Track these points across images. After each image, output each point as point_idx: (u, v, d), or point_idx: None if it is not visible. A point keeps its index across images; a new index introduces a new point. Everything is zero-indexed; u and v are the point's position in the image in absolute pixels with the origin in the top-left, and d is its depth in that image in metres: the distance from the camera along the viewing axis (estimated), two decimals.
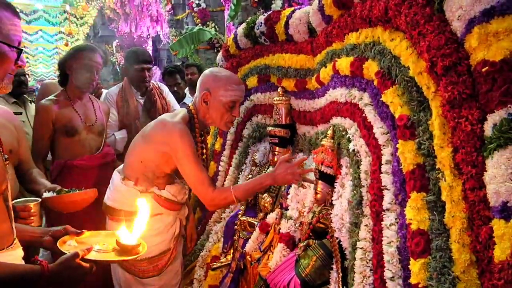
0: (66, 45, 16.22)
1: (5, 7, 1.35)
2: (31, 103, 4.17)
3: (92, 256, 1.52)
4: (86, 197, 2.26)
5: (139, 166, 2.35)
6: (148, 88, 3.55)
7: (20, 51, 1.40)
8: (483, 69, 1.14)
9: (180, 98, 4.20)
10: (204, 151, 2.50)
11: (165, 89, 3.74)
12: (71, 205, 2.18)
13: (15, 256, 1.49)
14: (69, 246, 1.58)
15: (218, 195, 2.25)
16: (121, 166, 2.51)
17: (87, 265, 1.47)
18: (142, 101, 3.56)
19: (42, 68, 20.20)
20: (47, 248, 1.72)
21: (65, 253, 1.48)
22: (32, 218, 1.97)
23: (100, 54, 2.97)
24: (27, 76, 4.25)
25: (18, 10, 1.41)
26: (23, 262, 1.52)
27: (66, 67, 2.95)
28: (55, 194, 2.18)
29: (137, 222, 1.65)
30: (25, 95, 4.11)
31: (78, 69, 2.90)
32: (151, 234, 2.39)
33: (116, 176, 2.45)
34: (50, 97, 2.96)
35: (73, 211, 2.25)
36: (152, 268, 2.43)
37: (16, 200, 2.00)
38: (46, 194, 2.18)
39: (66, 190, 2.26)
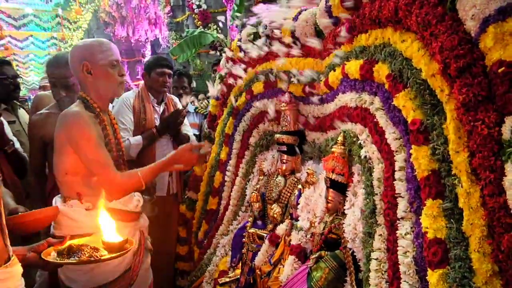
0: (59, 51, 16.29)
1: None
2: (20, 108, 4.08)
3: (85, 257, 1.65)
4: (41, 216, 2.18)
5: (69, 180, 2.30)
6: (165, 95, 3.60)
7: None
8: (500, 70, 1.16)
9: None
10: (115, 125, 2.50)
11: (178, 102, 3.78)
12: (31, 225, 2.13)
13: (13, 273, 1.52)
14: (53, 256, 1.67)
15: (127, 180, 2.28)
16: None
17: None
18: (158, 108, 3.58)
19: (33, 76, 20.15)
20: (32, 264, 1.74)
21: (53, 263, 1.63)
22: None
23: (63, 63, 2.84)
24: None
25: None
26: (22, 279, 1.55)
27: None
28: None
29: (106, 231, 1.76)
30: (15, 101, 4.03)
31: None
32: None
33: (57, 202, 2.38)
34: (42, 111, 2.98)
35: (35, 231, 2.22)
36: None
37: None
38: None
39: (22, 210, 2.21)
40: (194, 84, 6.26)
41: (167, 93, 3.68)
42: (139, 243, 2.47)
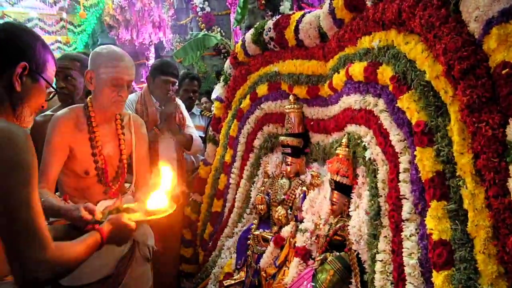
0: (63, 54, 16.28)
1: (51, 53, 1.62)
2: None
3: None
4: None
5: (61, 179, 2.34)
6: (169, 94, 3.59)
7: (56, 93, 1.71)
8: (503, 71, 1.16)
9: (190, 106, 4.23)
10: (121, 138, 2.44)
11: (181, 104, 3.78)
12: None
13: None
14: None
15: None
16: None
17: (132, 223, 1.77)
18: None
19: None
20: None
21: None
22: None
23: (70, 58, 2.92)
24: None
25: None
26: None
27: None
28: None
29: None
30: None
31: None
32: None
33: None
34: (46, 113, 2.98)
35: None
36: None
37: None
38: None
39: None
40: None
41: None
42: (129, 252, 2.43)
